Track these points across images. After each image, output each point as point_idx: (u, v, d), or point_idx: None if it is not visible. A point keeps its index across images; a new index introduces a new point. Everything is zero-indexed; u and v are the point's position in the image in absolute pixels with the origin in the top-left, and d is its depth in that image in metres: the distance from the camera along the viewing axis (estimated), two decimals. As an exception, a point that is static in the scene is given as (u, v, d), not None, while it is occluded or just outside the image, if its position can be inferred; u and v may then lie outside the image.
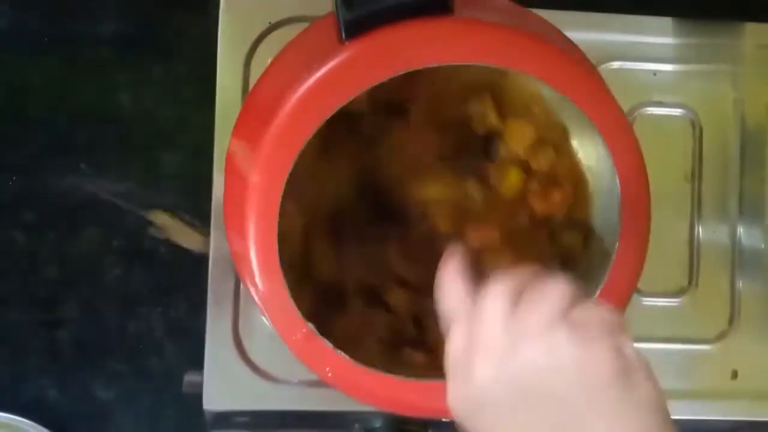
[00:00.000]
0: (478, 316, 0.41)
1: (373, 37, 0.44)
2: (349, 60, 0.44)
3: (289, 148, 0.45)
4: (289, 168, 0.45)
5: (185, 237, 0.63)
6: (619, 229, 0.50)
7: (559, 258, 0.54)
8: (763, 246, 0.63)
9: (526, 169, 0.54)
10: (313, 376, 0.57)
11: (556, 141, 0.53)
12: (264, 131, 0.45)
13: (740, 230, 0.63)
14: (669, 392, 0.40)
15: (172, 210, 0.64)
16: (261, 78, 0.52)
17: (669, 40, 0.63)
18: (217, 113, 0.59)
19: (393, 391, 0.49)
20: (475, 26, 0.45)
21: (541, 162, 0.54)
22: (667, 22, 0.63)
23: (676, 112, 0.63)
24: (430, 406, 0.49)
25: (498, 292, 0.41)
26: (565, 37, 0.50)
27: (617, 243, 0.50)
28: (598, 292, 0.50)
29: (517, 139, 0.54)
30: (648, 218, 0.50)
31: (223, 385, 0.58)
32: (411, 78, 0.45)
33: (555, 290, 0.40)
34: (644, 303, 0.62)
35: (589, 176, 0.53)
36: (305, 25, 0.53)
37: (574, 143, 0.54)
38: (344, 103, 0.44)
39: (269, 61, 0.53)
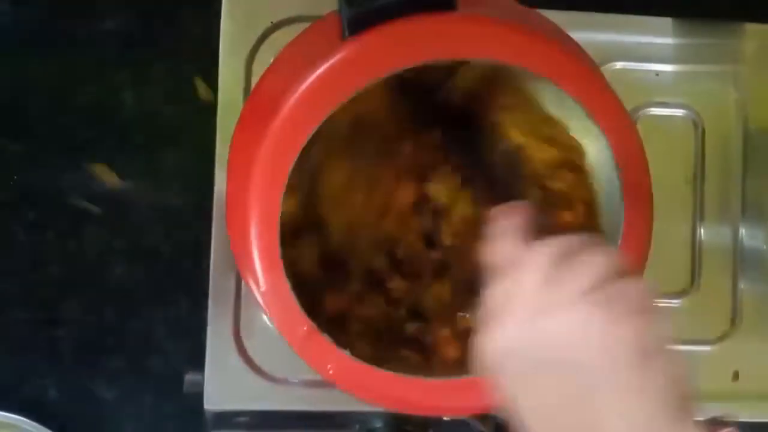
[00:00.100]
0: (521, 272, 0.42)
1: (376, 33, 0.44)
2: (352, 55, 0.44)
3: (292, 144, 0.45)
4: (292, 163, 0.45)
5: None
6: (621, 229, 0.50)
7: None
8: (765, 247, 0.63)
9: (542, 186, 0.54)
10: (314, 377, 0.57)
11: (575, 162, 0.53)
12: (267, 127, 0.46)
13: (742, 231, 0.63)
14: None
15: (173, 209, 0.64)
16: (263, 76, 0.52)
17: (671, 41, 0.63)
18: (219, 112, 0.59)
19: (394, 389, 0.49)
20: (477, 22, 0.45)
21: (558, 184, 0.54)
22: (669, 22, 0.63)
23: (679, 112, 0.63)
24: (430, 404, 0.49)
25: (543, 252, 0.42)
26: (568, 36, 0.50)
27: (619, 243, 0.50)
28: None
29: (540, 159, 0.54)
30: (650, 218, 0.50)
31: (223, 384, 0.58)
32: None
33: (597, 260, 0.41)
34: (646, 304, 0.62)
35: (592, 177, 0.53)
36: (307, 25, 0.53)
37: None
38: (346, 100, 0.44)
39: (271, 60, 0.53)
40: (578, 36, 0.51)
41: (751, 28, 0.64)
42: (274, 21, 0.60)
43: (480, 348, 0.43)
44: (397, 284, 0.54)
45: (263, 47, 0.60)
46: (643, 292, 0.41)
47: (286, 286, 0.47)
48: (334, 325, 0.49)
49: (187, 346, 0.62)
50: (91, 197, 0.64)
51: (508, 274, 0.42)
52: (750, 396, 0.62)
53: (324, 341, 0.47)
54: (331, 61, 0.44)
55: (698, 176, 0.63)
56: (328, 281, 0.53)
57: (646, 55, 0.63)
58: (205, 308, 0.59)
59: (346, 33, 0.44)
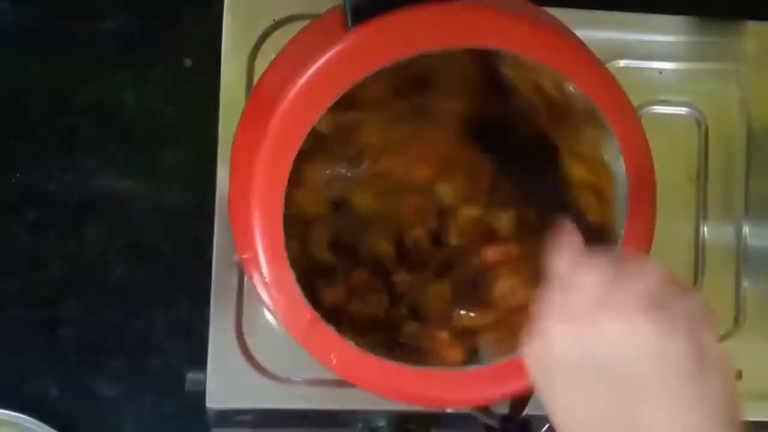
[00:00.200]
0: (572, 284, 0.42)
1: (379, 21, 0.44)
2: (355, 44, 0.44)
3: (295, 132, 0.45)
4: (295, 153, 0.45)
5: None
6: (624, 226, 0.50)
7: None
8: (768, 245, 0.63)
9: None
10: (317, 375, 0.58)
11: (603, 189, 0.53)
12: (269, 119, 0.46)
13: (746, 230, 0.63)
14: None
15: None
16: (264, 73, 0.52)
17: (675, 39, 0.63)
18: (222, 110, 0.59)
19: (398, 380, 0.49)
20: (481, 11, 0.46)
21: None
22: (672, 20, 0.63)
23: (682, 111, 0.63)
24: (434, 395, 0.49)
25: (596, 266, 0.42)
26: (572, 32, 0.50)
27: (620, 240, 0.50)
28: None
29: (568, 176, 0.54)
30: (653, 216, 0.50)
31: (226, 383, 0.58)
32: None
33: (651, 273, 0.41)
34: (649, 302, 0.62)
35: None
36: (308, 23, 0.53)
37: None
38: (348, 88, 0.44)
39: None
40: (581, 34, 0.51)
41: (754, 26, 0.64)
42: (276, 19, 0.60)
43: (530, 353, 0.43)
44: (401, 277, 0.54)
45: (265, 45, 0.60)
46: (698, 306, 0.41)
47: (290, 276, 0.47)
48: (330, 321, 0.49)
49: (189, 345, 0.62)
50: (91, 196, 0.64)
51: (564, 285, 0.43)
52: (753, 395, 0.62)
53: (328, 331, 0.47)
54: (334, 50, 0.45)
55: (701, 175, 0.63)
56: (336, 269, 0.52)
57: (650, 54, 0.62)
58: (207, 307, 0.59)
59: (350, 23, 0.44)
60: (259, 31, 0.60)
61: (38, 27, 0.64)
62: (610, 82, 0.49)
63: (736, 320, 0.63)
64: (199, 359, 0.58)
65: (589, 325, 0.40)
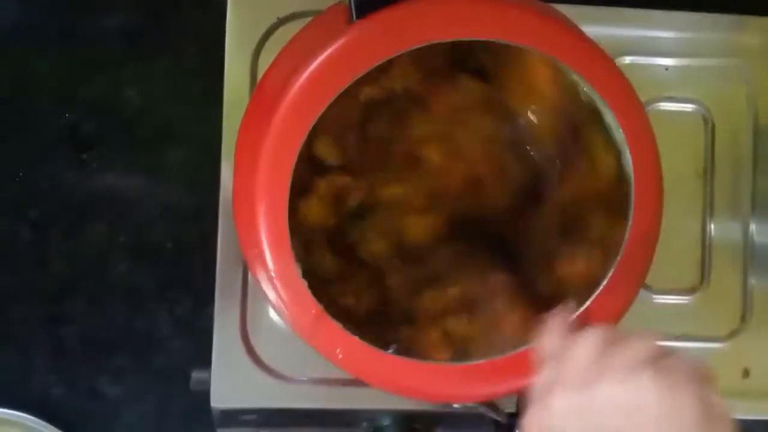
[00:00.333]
0: (568, 354, 0.42)
1: (382, 15, 0.44)
2: (358, 38, 0.45)
3: (299, 128, 0.45)
4: (299, 148, 0.45)
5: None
6: (631, 224, 0.50)
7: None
8: (775, 243, 0.63)
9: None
10: (322, 374, 0.58)
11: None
12: (273, 113, 0.46)
13: (753, 227, 0.63)
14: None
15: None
16: (268, 69, 0.52)
17: (681, 35, 0.63)
18: (226, 107, 0.59)
19: (404, 374, 0.49)
20: (485, 3, 0.45)
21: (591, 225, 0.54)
22: (678, 16, 0.63)
23: (688, 107, 0.63)
24: (440, 390, 0.49)
25: (590, 337, 0.42)
26: (579, 28, 0.50)
27: (627, 234, 0.50)
28: (604, 285, 0.50)
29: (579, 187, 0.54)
30: (660, 211, 0.50)
31: (230, 382, 0.58)
32: None
33: (643, 340, 0.41)
34: (655, 300, 0.62)
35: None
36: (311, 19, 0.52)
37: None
38: (353, 81, 0.44)
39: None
40: (587, 30, 0.51)
41: (760, 22, 0.64)
42: (280, 16, 0.59)
43: (530, 427, 0.43)
44: (395, 280, 0.54)
45: (268, 43, 0.59)
46: (694, 362, 0.41)
47: (295, 269, 0.47)
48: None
49: (193, 344, 0.62)
50: (95, 194, 0.64)
51: (557, 359, 0.43)
52: (760, 393, 0.62)
53: (333, 325, 0.47)
54: (337, 45, 0.45)
55: (708, 171, 0.63)
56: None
57: (656, 50, 0.62)
58: (211, 305, 0.58)
59: (353, 17, 0.44)
60: (263, 29, 0.59)
61: (41, 24, 0.64)
62: (618, 78, 0.49)
63: (743, 318, 0.63)
64: (203, 358, 0.58)
65: (590, 391, 0.40)
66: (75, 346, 0.63)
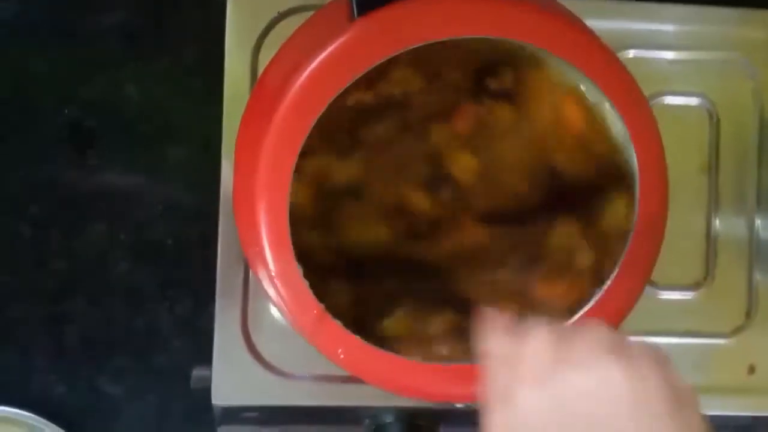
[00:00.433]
0: (522, 350, 0.41)
1: (384, 12, 0.44)
2: (360, 35, 0.44)
3: (300, 125, 0.45)
4: (300, 146, 0.45)
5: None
6: (636, 219, 0.50)
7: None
8: (781, 238, 0.62)
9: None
10: (324, 371, 0.57)
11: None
12: (274, 111, 0.45)
13: (758, 222, 0.62)
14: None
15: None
16: (268, 65, 0.52)
17: (685, 28, 0.62)
18: (226, 104, 0.59)
19: (405, 374, 0.48)
20: (490, 0, 0.45)
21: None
22: (683, 9, 0.62)
23: (693, 101, 0.62)
24: (443, 390, 0.49)
25: (542, 329, 0.41)
26: (582, 21, 0.50)
27: (632, 231, 0.50)
28: (610, 281, 0.50)
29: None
30: (665, 206, 0.50)
31: (232, 380, 0.58)
32: None
33: (598, 327, 0.41)
34: (660, 296, 0.61)
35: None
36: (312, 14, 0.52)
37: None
38: (353, 79, 0.44)
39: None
40: (591, 24, 0.51)
41: (766, 15, 0.63)
42: (281, 11, 0.59)
43: (495, 428, 0.41)
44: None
45: (269, 38, 0.59)
46: (653, 347, 0.40)
47: (296, 270, 0.47)
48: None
49: (194, 342, 0.62)
50: (95, 192, 0.64)
51: (506, 357, 0.42)
52: (766, 389, 0.62)
53: (335, 325, 0.47)
54: (338, 42, 0.44)
55: (713, 167, 0.62)
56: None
57: (660, 43, 0.62)
58: (212, 303, 0.58)
59: (355, 13, 0.43)
60: (263, 24, 0.59)
61: (41, 22, 0.64)
62: (621, 71, 0.48)
63: (748, 314, 0.62)
64: (204, 356, 0.58)
65: (557, 382, 0.39)
66: (75, 344, 0.63)
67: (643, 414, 0.38)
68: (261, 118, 0.47)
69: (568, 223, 0.53)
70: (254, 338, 0.58)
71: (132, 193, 0.64)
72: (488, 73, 0.53)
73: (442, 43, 0.46)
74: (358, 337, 0.48)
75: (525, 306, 0.51)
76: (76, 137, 0.64)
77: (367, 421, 0.59)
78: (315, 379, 0.58)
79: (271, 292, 0.48)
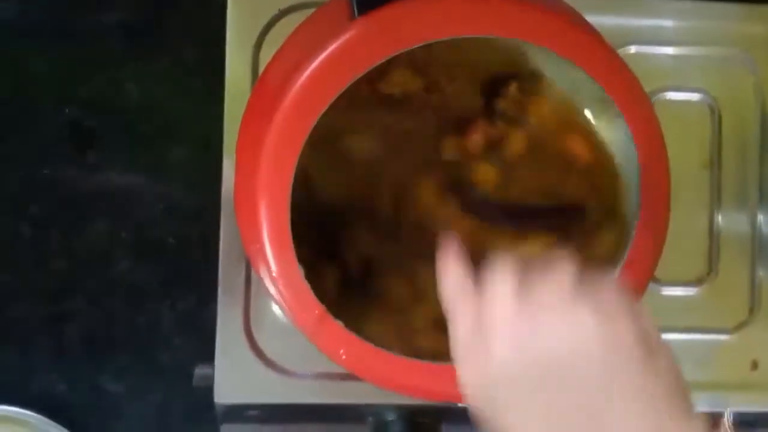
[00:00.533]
0: (486, 296, 0.40)
1: (385, 11, 0.44)
2: (361, 35, 0.44)
3: (301, 124, 0.45)
4: (301, 145, 0.45)
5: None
6: (638, 215, 0.50)
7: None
8: (783, 234, 0.62)
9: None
10: (326, 369, 0.57)
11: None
12: (275, 110, 0.45)
13: (760, 218, 0.62)
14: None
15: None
16: (269, 64, 0.51)
17: (686, 24, 0.62)
18: (227, 101, 0.59)
19: (407, 374, 0.48)
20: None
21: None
22: (684, 4, 0.62)
23: (695, 97, 0.62)
24: (445, 390, 0.49)
25: (504, 270, 0.40)
26: (583, 17, 0.50)
27: (635, 228, 0.50)
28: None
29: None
30: (667, 203, 0.50)
31: (234, 378, 0.58)
32: None
33: (563, 263, 0.39)
34: (663, 292, 0.61)
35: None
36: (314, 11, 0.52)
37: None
38: (354, 79, 0.44)
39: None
40: (592, 19, 0.51)
41: (767, 10, 0.63)
42: (281, 8, 0.59)
43: (463, 384, 0.41)
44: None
45: (270, 36, 0.59)
46: (623, 289, 0.39)
47: (297, 269, 0.46)
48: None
49: (196, 340, 0.62)
50: (98, 189, 0.64)
51: (470, 303, 0.40)
52: (769, 386, 0.62)
53: (336, 325, 0.47)
54: (340, 42, 0.44)
55: (715, 162, 0.62)
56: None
57: (661, 39, 0.62)
58: (214, 301, 0.58)
59: (356, 12, 0.43)
60: (264, 21, 0.59)
61: (42, 20, 0.64)
62: (622, 69, 0.48)
63: (752, 310, 0.62)
64: (206, 354, 0.58)
65: (526, 332, 0.38)
66: (77, 343, 0.63)
67: (613, 359, 0.38)
68: (262, 118, 0.47)
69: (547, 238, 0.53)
70: (256, 336, 0.58)
71: (133, 192, 0.64)
72: (495, 92, 0.53)
73: (447, 55, 0.45)
74: (359, 337, 0.47)
75: None
76: (77, 137, 0.64)
77: (369, 418, 0.59)
78: (317, 376, 0.58)
79: (272, 291, 0.48)
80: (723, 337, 0.62)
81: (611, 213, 0.52)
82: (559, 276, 0.39)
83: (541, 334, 0.38)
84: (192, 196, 0.64)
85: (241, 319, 0.58)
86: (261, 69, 0.58)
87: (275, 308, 0.58)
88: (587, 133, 0.53)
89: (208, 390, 0.58)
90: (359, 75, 0.44)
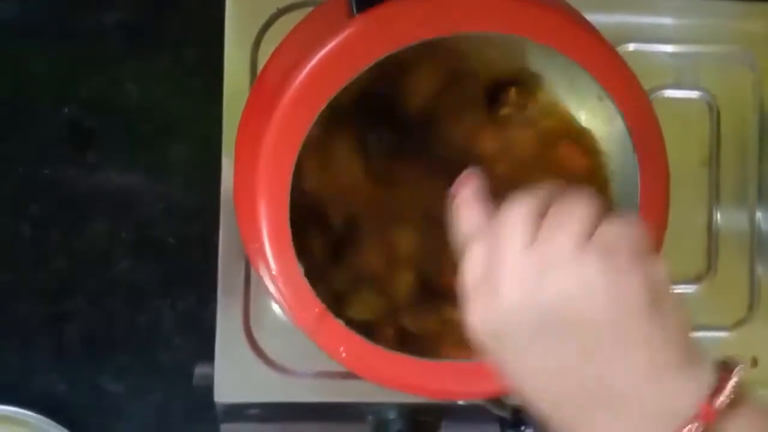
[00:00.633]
0: (499, 236, 0.39)
1: (384, 8, 0.44)
2: (360, 32, 0.44)
3: (300, 122, 0.45)
4: (301, 142, 0.45)
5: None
6: (637, 212, 0.49)
7: None
8: (782, 231, 0.62)
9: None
10: (326, 368, 0.57)
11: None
12: (274, 108, 0.45)
13: (759, 215, 0.62)
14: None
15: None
16: (268, 62, 0.51)
17: (685, 21, 0.62)
18: (226, 100, 0.59)
19: (407, 372, 0.48)
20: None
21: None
22: (683, 2, 0.62)
23: (693, 94, 0.62)
24: (444, 387, 0.49)
25: (519, 210, 0.39)
26: (581, 15, 0.50)
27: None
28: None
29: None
30: (666, 200, 0.50)
31: (234, 377, 0.58)
32: None
33: (579, 208, 0.39)
34: (662, 290, 0.61)
35: (606, 158, 0.53)
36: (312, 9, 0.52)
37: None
38: (355, 76, 0.44)
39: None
40: (590, 17, 0.50)
41: (765, 8, 0.63)
42: (280, 7, 0.59)
43: (469, 325, 0.40)
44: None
45: (268, 34, 0.59)
46: (637, 235, 0.39)
47: (297, 267, 0.46)
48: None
49: (196, 339, 0.62)
50: (97, 189, 0.64)
51: (484, 241, 0.40)
52: (769, 383, 0.62)
53: (336, 323, 0.47)
54: (339, 39, 0.44)
55: (714, 160, 0.62)
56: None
57: (660, 37, 0.62)
58: (214, 300, 0.58)
59: (355, 10, 0.43)
60: (263, 20, 0.59)
61: (42, 20, 0.64)
62: (621, 66, 0.48)
63: (751, 306, 0.62)
64: (206, 353, 0.58)
65: (534, 279, 0.38)
66: (77, 343, 0.63)
67: (616, 310, 0.37)
68: (261, 115, 0.47)
69: None
70: (256, 335, 0.58)
71: (132, 191, 0.64)
72: (497, 96, 0.53)
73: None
74: (359, 335, 0.47)
75: None
76: (76, 136, 0.64)
77: (370, 417, 0.59)
78: (317, 375, 0.58)
79: (272, 289, 0.48)
80: (722, 334, 0.62)
81: None
82: (572, 221, 0.38)
83: (547, 280, 0.38)
84: (192, 195, 0.64)
85: (240, 319, 0.58)
86: (260, 68, 0.58)
87: (275, 307, 0.58)
88: (581, 138, 0.53)
89: (208, 389, 0.58)
90: (358, 72, 0.44)
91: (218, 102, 0.59)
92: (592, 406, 0.38)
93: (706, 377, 0.37)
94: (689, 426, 0.36)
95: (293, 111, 0.45)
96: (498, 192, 0.45)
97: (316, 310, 0.47)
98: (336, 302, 0.48)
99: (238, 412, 0.59)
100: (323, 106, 0.45)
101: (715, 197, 0.62)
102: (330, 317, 0.47)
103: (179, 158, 0.65)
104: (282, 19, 0.59)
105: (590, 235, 0.38)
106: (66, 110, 0.64)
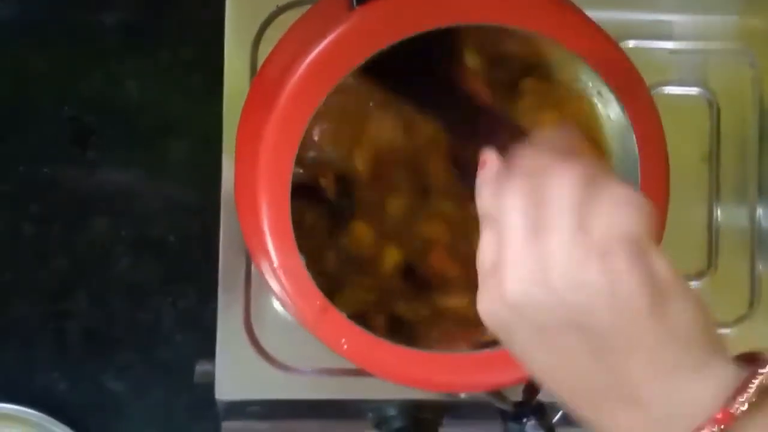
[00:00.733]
0: (501, 222, 0.38)
1: (384, 0, 0.44)
2: (359, 24, 0.44)
3: (300, 116, 0.45)
4: (300, 137, 0.45)
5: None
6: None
7: None
8: (783, 227, 0.62)
9: None
10: (327, 365, 0.57)
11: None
12: (274, 102, 0.45)
13: (760, 212, 0.62)
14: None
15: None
16: (268, 58, 0.51)
17: (685, 18, 0.62)
18: (226, 98, 0.58)
19: (409, 364, 0.48)
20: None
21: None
22: (683, -1, 0.62)
23: (693, 91, 0.62)
24: (446, 379, 0.49)
25: (514, 193, 0.38)
26: (582, 11, 0.50)
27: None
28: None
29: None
30: (667, 196, 0.50)
31: (235, 374, 0.58)
32: None
33: (568, 183, 0.37)
34: (662, 287, 0.61)
35: (607, 153, 0.53)
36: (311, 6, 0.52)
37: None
38: (355, 68, 0.44)
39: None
40: (591, 14, 0.50)
41: (766, 4, 0.63)
42: (280, 4, 0.59)
43: (482, 314, 0.39)
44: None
45: (268, 32, 0.59)
46: (636, 223, 0.37)
47: (299, 261, 0.46)
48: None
49: (197, 337, 0.62)
50: (96, 188, 0.64)
51: (494, 230, 0.39)
52: (770, 380, 0.61)
53: (338, 315, 0.47)
54: (338, 32, 0.44)
55: (714, 156, 0.62)
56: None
57: (660, 33, 0.61)
58: (215, 298, 0.58)
59: (354, 2, 0.43)
60: (262, 17, 0.59)
61: (42, 20, 0.64)
62: (623, 61, 0.48)
63: (751, 304, 0.62)
64: (207, 351, 0.58)
65: (535, 273, 0.37)
66: (78, 341, 0.63)
67: (619, 314, 0.36)
68: (261, 110, 0.47)
69: None
70: (257, 332, 0.58)
71: (133, 189, 0.64)
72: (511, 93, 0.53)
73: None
74: (361, 327, 0.47)
75: None
76: (77, 135, 0.64)
77: (370, 414, 0.59)
78: (318, 372, 0.58)
79: (273, 283, 0.48)
80: (723, 330, 0.61)
81: None
82: (565, 198, 0.37)
83: (546, 275, 0.37)
84: (192, 193, 0.64)
85: (241, 316, 0.58)
86: (260, 65, 0.58)
87: (276, 304, 0.58)
88: (586, 128, 0.52)
89: (209, 387, 0.58)
90: (358, 65, 0.44)
91: (218, 100, 0.59)
92: (609, 401, 0.37)
93: (727, 377, 0.36)
94: (706, 430, 0.35)
95: (294, 103, 0.45)
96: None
97: (318, 302, 0.47)
98: (329, 295, 0.48)
99: (239, 409, 0.59)
100: (323, 98, 0.45)
101: (715, 194, 0.62)
102: (332, 309, 0.47)
103: (179, 156, 0.65)
104: (282, 17, 0.59)
105: (583, 221, 0.36)
106: (66, 109, 0.64)
